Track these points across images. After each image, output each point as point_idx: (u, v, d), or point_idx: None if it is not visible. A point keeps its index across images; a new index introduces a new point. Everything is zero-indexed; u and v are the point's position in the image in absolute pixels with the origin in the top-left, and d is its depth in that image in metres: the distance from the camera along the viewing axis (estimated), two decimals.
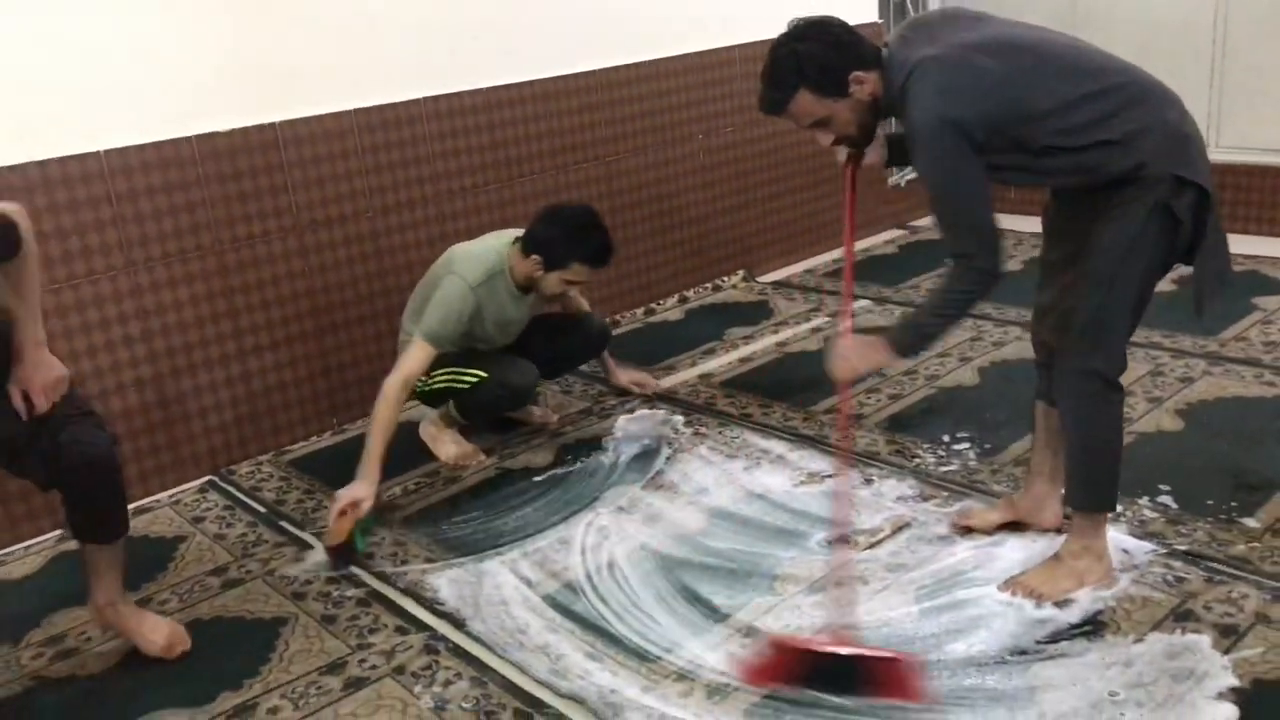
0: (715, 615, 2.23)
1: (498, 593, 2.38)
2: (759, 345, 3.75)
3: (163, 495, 3.00)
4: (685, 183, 4.21)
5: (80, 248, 2.79)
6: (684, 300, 4.28)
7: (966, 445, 2.87)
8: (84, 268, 2.80)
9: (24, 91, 2.65)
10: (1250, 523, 2.39)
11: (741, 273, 4.49)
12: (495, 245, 2.95)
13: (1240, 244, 3.80)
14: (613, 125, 3.90)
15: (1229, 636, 2.02)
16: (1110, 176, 2.01)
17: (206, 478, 3.08)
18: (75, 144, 2.74)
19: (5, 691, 2.19)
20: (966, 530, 2.43)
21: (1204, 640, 2.00)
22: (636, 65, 3.93)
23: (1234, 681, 1.88)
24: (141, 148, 2.85)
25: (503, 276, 2.91)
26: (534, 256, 2.86)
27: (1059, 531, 2.34)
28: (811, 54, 2.03)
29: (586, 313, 3.28)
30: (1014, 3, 3.68)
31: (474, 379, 2.91)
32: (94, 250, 2.81)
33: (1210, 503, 2.47)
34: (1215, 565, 2.23)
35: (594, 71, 3.81)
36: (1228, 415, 2.92)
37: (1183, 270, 2.16)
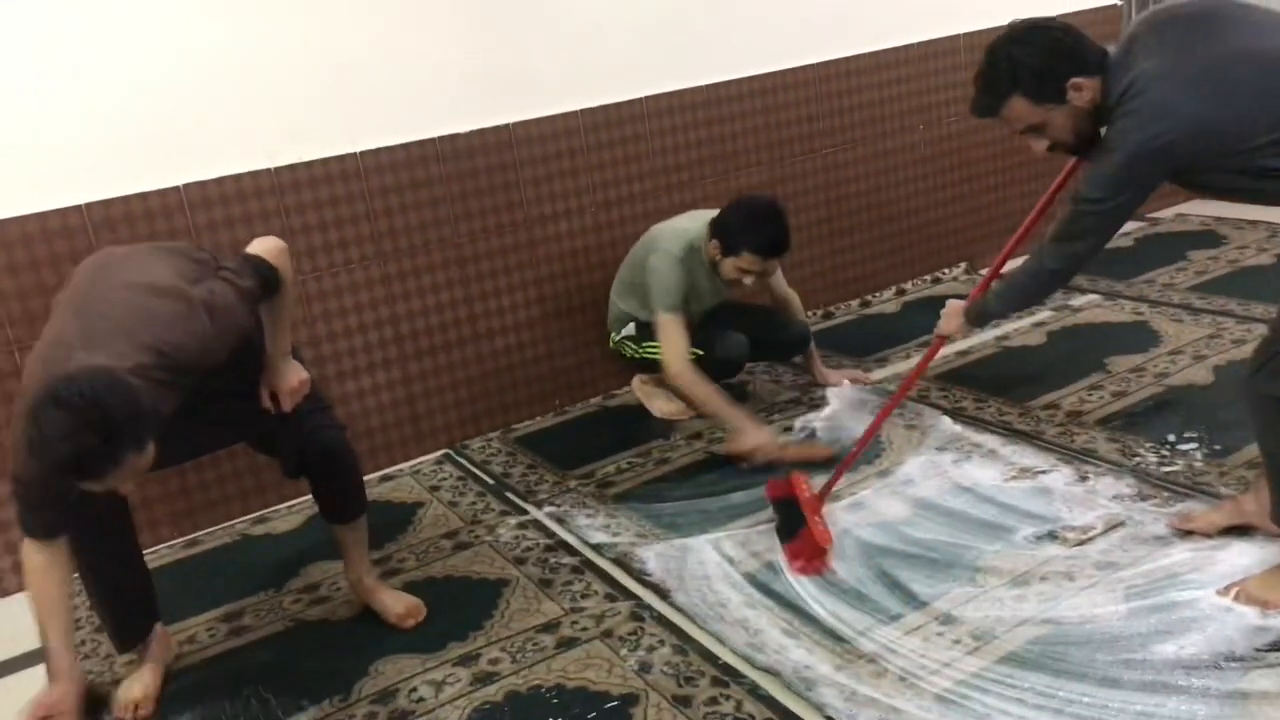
0: (913, 602, 2.25)
1: (701, 568, 2.49)
2: (979, 339, 3.69)
3: (405, 465, 3.30)
4: (905, 174, 4.17)
5: (338, 239, 3.10)
6: (901, 292, 4.25)
7: (1194, 445, 2.74)
8: (341, 257, 3.11)
9: (295, 101, 2.98)
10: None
11: (963, 265, 4.41)
12: (693, 224, 3.09)
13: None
14: (831, 118, 3.93)
15: None
16: None
17: (443, 451, 3.36)
18: (338, 146, 3.06)
19: (270, 629, 2.50)
20: (1188, 533, 2.34)
21: None
22: (855, 58, 3.93)
23: None
24: (391, 149, 3.13)
25: (699, 252, 3.04)
26: (714, 240, 2.98)
27: None
28: (1028, 59, 2.01)
29: (793, 311, 3.33)
30: None
31: (693, 355, 3.01)
32: (349, 241, 3.12)
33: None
34: None
35: (811, 65, 3.84)
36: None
37: None
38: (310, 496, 2.42)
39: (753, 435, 2.86)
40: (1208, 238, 4.42)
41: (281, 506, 3.15)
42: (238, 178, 2.95)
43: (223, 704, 2.24)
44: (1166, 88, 1.89)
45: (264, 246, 2.18)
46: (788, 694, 2.02)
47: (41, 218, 2.72)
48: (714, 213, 3.06)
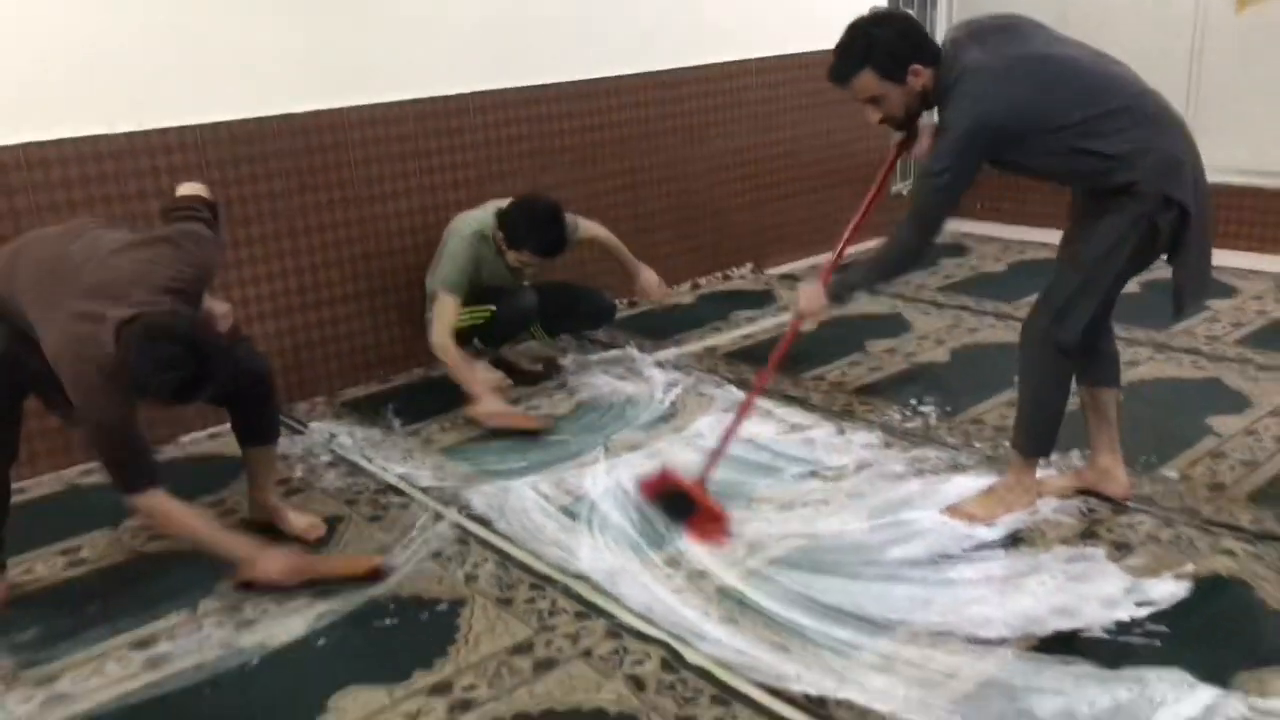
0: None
1: (520, 504, 2.82)
2: (760, 326, 4.19)
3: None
4: (702, 181, 4.66)
5: None
6: (696, 287, 4.73)
7: (930, 408, 3.30)
8: None
9: (139, 70, 3.14)
10: (1168, 472, 2.79)
11: (750, 265, 4.94)
12: (484, 213, 3.43)
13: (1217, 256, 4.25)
14: (638, 125, 4.36)
15: (1121, 550, 2.43)
16: (1110, 186, 2.35)
17: None
18: (180, 118, 3.23)
19: (109, 561, 2.66)
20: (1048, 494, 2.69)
21: (1100, 552, 2.42)
22: (664, 72, 4.38)
23: (1122, 580, 2.30)
24: (230, 123, 3.32)
25: (489, 239, 3.39)
26: (500, 232, 3.35)
27: (1125, 501, 2.63)
28: (883, 40, 2.36)
29: (601, 246, 3.70)
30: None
31: (487, 313, 3.42)
32: None
33: (1139, 457, 2.86)
34: (1124, 503, 2.64)
35: (625, 76, 4.26)
36: (1161, 391, 3.34)
37: (1155, 275, 2.54)
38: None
39: (485, 401, 3.26)
40: (955, 249, 5.13)
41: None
42: (76, 141, 3.08)
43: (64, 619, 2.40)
44: (990, 77, 2.31)
45: (193, 188, 2.50)
46: (594, 592, 2.39)
47: None
48: (504, 202, 3.42)
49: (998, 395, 3.33)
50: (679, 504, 2.67)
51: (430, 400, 3.55)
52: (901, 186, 5.53)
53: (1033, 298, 2.59)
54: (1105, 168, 2.33)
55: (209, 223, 2.43)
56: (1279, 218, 4.67)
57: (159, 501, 2.28)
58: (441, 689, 2.09)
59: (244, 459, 2.74)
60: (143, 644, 2.31)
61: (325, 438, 3.32)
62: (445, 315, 3.32)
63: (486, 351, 3.68)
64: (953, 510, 2.64)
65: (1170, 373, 3.47)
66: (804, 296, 2.70)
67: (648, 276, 3.72)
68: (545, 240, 3.31)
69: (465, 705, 2.04)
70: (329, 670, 2.17)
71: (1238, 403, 3.21)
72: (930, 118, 2.54)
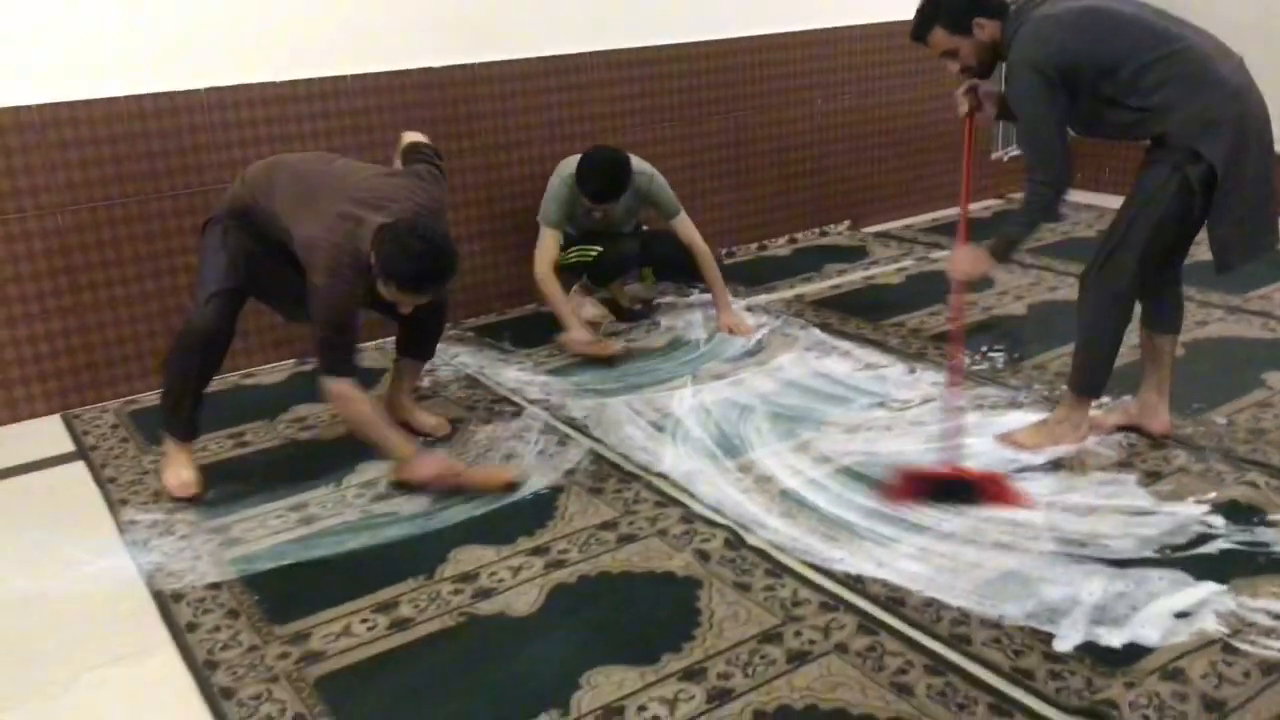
0: (772, 441, 3.00)
1: (615, 416, 3.21)
2: (849, 278, 4.48)
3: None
4: (802, 139, 4.94)
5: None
6: (793, 241, 5.03)
7: (1000, 354, 3.55)
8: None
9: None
10: (1215, 417, 3.01)
11: (847, 222, 5.21)
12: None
13: None
14: (742, 85, 4.67)
15: (1151, 478, 2.68)
16: (1145, 136, 2.59)
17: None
18: (340, 69, 3.69)
19: (267, 444, 3.15)
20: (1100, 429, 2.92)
21: (1132, 478, 2.68)
22: (767, 36, 4.68)
23: (1146, 500, 2.56)
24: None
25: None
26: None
27: (1165, 437, 2.85)
28: (948, 3, 2.68)
29: (695, 256, 3.87)
30: None
31: (594, 253, 3.82)
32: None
33: (1191, 404, 3.08)
34: (1164, 440, 2.87)
35: (730, 39, 4.57)
36: (1226, 347, 3.52)
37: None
38: (290, 361, 3.06)
39: (573, 330, 3.61)
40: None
41: (266, 366, 3.77)
42: (249, 86, 3.56)
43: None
44: (1047, 24, 2.56)
45: (416, 136, 3.01)
46: (673, 487, 2.76)
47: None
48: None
49: (1064, 346, 3.52)
50: (953, 489, 2.64)
51: (540, 330, 3.95)
52: (1002, 153, 5.72)
53: None
54: (1135, 119, 2.56)
55: (437, 164, 2.90)
56: None
57: (348, 389, 2.65)
58: (540, 551, 2.50)
59: (395, 366, 3.17)
60: (297, 508, 2.78)
61: (450, 356, 3.75)
62: (544, 248, 3.71)
63: (594, 288, 4.07)
64: (1005, 437, 2.92)
65: (1238, 332, 3.64)
66: (964, 260, 2.85)
67: (732, 316, 3.88)
68: (593, 187, 3.60)
69: (559, 564, 2.44)
70: (449, 534, 2.60)
71: None
72: (994, 85, 2.82)
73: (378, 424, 2.73)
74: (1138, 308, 2.81)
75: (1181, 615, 2.14)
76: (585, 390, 3.43)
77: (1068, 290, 4.15)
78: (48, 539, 2.68)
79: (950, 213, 5.43)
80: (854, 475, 2.78)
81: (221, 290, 2.77)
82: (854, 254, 4.83)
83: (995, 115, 2.90)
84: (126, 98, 3.39)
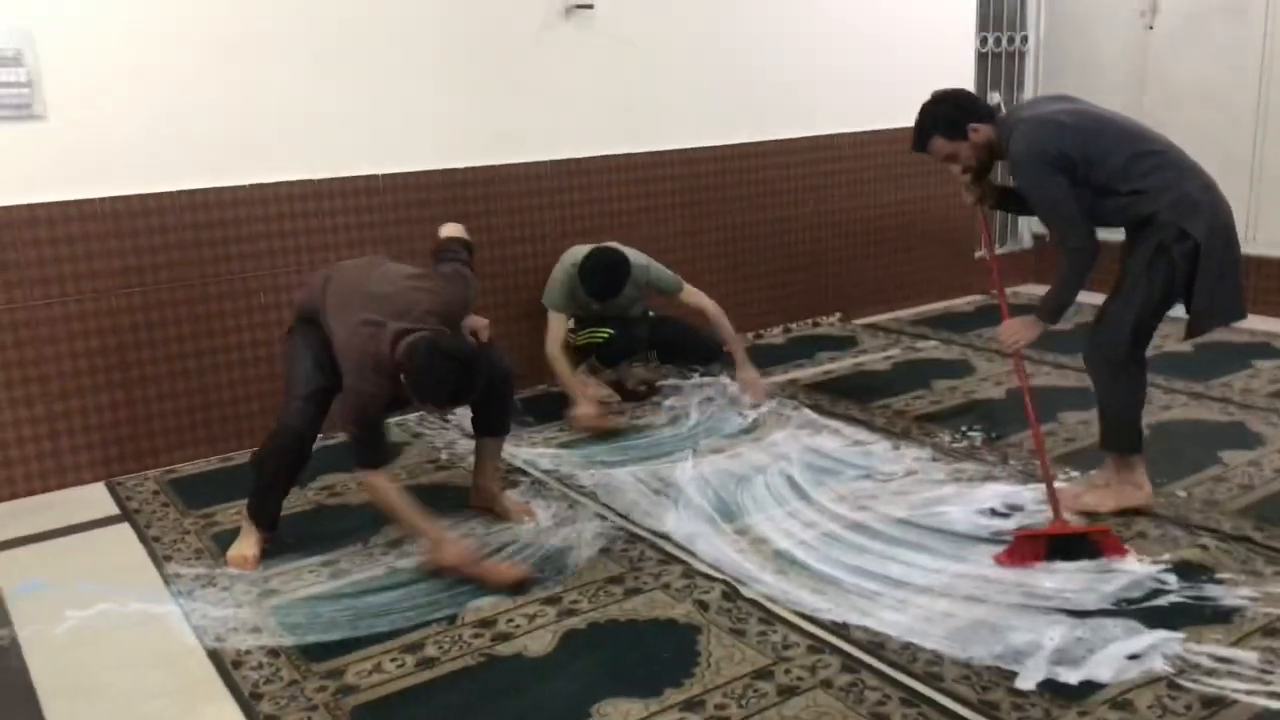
0: (765, 509, 3.25)
1: (620, 484, 3.47)
2: (840, 364, 4.78)
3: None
4: (796, 238, 5.30)
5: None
6: (788, 330, 5.35)
7: (978, 433, 3.83)
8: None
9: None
10: (1175, 490, 3.26)
11: (838, 314, 5.53)
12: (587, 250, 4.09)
13: (1268, 324, 4.87)
14: (739, 187, 5.04)
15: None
16: (1138, 217, 2.91)
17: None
18: (370, 169, 4.05)
19: (304, 516, 3.40)
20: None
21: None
22: (762, 143, 5.07)
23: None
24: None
25: None
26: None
27: (1149, 507, 3.09)
28: (943, 111, 3.04)
29: (709, 320, 4.27)
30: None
31: (605, 335, 4.13)
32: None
33: (1156, 479, 3.31)
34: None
35: (727, 145, 4.96)
36: (1186, 429, 3.79)
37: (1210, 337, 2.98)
38: None
39: (581, 405, 3.90)
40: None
41: None
42: (290, 184, 3.91)
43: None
44: (1038, 122, 2.92)
45: (453, 228, 3.34)
46: (674, 547, 3.02)
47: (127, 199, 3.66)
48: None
49: (1041, 426, 3.84)
50: (1069, 546, 2.82)
51: (552, 407, 4.23)
52: (984, 252, 6.06)
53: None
54: (1129, 202, 2.89)
55: (466, 262, 3.20)
56: None
57: (377, 480, 2.88)
58: (553, 601, 2.74)
59: (476, 448, 3.34)
60: (328, 563, 3.02)
61: (468, 429, 4.03)
62: (552, 331, 4.06)
63: (601, 368, 4.36)
64: (1073, 500, 3.10)
65: (1199, 415, 3.92)
66: (1014, 329, 3.07)
67: (750, 373, 4.22)
68: (596, 287, 3.96)
69: (570, 613, 2.68)
70: (469, 588, 2.84)
71: (1252, 442, 3.64)
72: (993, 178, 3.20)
73: (405, 510, 2.89)
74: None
75: (1133, 657, 2.37)
76: (594, 462, 3.69)
77: (1044, 378, 4.45)
78: (98, 590, 2.92)
79: (934, 307, 5.77)
80: (838, 539, 3.03)
81: (308, 392, 3.03)
82: (844, 343, 5.14)
83: (993, 205, 3.24)
84: (177, 192, 3.73)
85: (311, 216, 3.97)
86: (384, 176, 4.11)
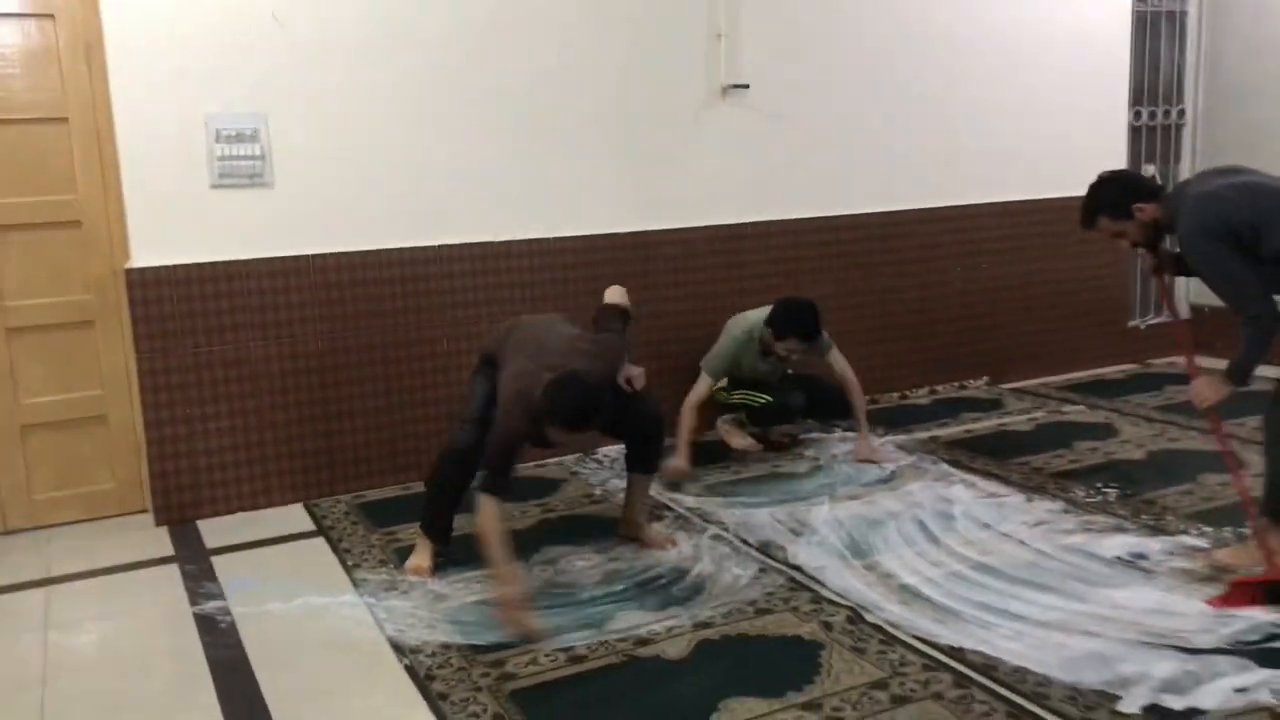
0: (901, 550, 3.45)
1: (759, 522, 3.73)
2: (982, 424, 4.91)
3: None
4: (944, 304, 5.48)
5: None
6: (933, 392, 5.50)
7: (1114, 490, 3.91)
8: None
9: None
10: None
11: (985, 378, 5.65)
12: (757, 317, 4.38)
13: None
14: (886, 253, 5.28)
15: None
16: None
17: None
18: (540, 232, 4.51)
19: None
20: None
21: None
22: (908, 211, 5.31)
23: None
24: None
25: (755, 339, 4.35)
26: (770, 329, 4.28)
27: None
28: (1106, 194, 3.21)
29: (848, 387, 4.44)
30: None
31: (763, 400, 4.35)
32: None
33: None
34: None
35: (878, 213, 5.22)
36: None
37: None
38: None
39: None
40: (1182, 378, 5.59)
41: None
42: (469, 245, 4.40)
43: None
44: (1203, 197, 3.05)
45: (616, 294, 3.68)
46: (805, 577, 3.25)
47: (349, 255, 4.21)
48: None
49: (1177, 485, 3.91)
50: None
51: (700, 455, 4.54)
52: (1139, 322, 6.09)
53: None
54: None
55: (621, 332, 3.55)
56: None
57: (492, 507, 3.12)
58: (701, 626, 3.00)
59: (628, 483, 3.69)
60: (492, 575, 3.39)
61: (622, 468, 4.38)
62: (698, 390, 4.32)
63: (749, 425, 4.62)
64: (1223, 562, 3.20)
65: None
66: (1204, 388, 3.15)
67: (869, 445, 4.43)
68: (805, 327, 4.23)
69: (705, 625, 2.95)
70: (616, 601, 3.15)
71: None
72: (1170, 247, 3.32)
73: (494, 538, 3.07)
74: None
75: (1240, 690, 2.47)
76: (735, 503, 3.97)
77: (1188, 441, 4.47)
78: (298, 586, 3.37)
79: (1084, 374, 5.82)
80: (964, 577, 3.20)
81: (478, 417, 3.43)
82: (989, 405, 5.27)
83: (1174, 272, 3.35)
84: (376, 250, 4.26)
85: (490, 274, 4.44)
86: (553, 240, 4.55)
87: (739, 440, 4.63)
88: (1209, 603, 2.94)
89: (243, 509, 4.17)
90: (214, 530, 3.97)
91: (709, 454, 4.49)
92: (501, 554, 3.09)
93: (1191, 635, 2.76)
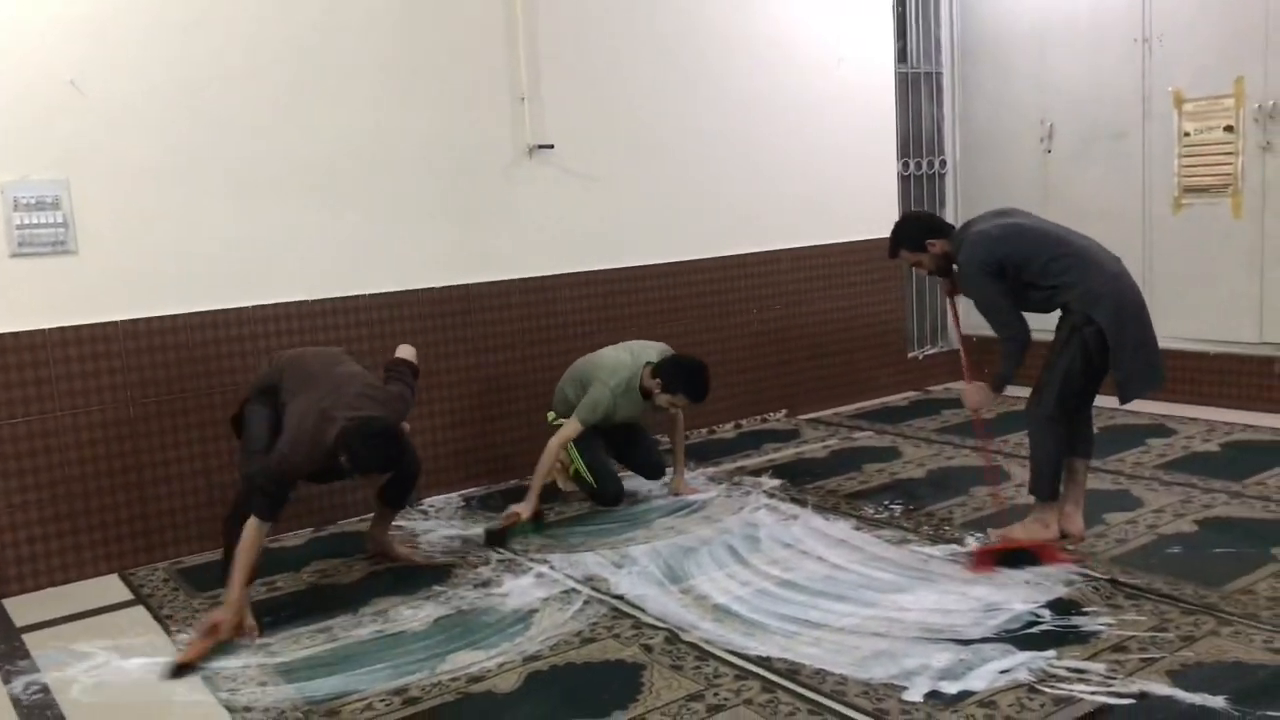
0: (708, 570, 3.73)
1: (581, 559, 3.93)
2: (783, 454, 5.29)
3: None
4: (742, 344, 5.87)
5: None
6: (738, 426, 5.87)
7: (899, 506, 4.33)
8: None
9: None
10: (1066, 545, 3.76)
11: (784, 411, 6.07)
12: (633, 362, 4.51)
13: (1164, 408, 5.46)
14: (690, 299, 5.64)
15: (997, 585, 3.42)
16: (1057, 306, 3.61)
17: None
18: (349, 290, 4.61)
19: (300, 594, 3.83)
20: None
21: (988, 588, 3.41)
22: (709, 259, 5.69)
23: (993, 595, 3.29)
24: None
25: (634, 388, 4.48)
26: (658, 379, 4.43)
27: (1080, 539, 3.74)
28: (906, 230, 3.85)
29: (676, 431, 4.75)
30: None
31: (591, 484, 4.53)
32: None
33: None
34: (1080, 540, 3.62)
35: (674, 263, 5.57)
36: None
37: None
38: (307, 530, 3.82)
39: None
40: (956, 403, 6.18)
41: (289, 533, 4.48)
42: (313, 302, 4.46)
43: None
44: (981, 235, 3.65)
45: (407, 351, 3.98)
46: (627, 605, 3.47)
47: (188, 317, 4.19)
48: (648, 352, 4.54)
49: (953, 499, 4.36)
50: (1016, 558, 3.56)
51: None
52: (917, 353, 6.67)
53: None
54: (1047, 295, 3.62)
55: (410, 384, 3.85)
56: (1216, 376, 5.66)
57: (253, 529, 3.33)
58: (530, 659, 3.16)
59: (377, 510, 4.04)
60: (322, 630, 3.45)
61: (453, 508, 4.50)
62: (568, 433, 4.38)
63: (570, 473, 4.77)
64: (1003, 535, 3.73)
65: (1091, 486, 4.44)
66: (973, 395, 3.82)
67: (684, 482, 4.73)
68: (698, 389, 4.40)
69: (536, 657, 3.13)
70: (443, 648, 3.28)
71: (1133, 504, 4.16)
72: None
73: (246, 565, 3.36)
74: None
75: (1004, 672, 2.84)
76: (562, 543, 4.16)
77: (962, 459, 4.98)
78: (120, 657, 3.33)
79: (872, 402, 6.34)
80: (769, 593, 3.50)
81: (265, 449, 3.56)
82: (788, 435, 5.67)
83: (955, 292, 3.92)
84: (181, 314, 4.25)
85: (307, 333, 4.50)
86: (369, 296, 4.66)
87: (566, 483, 4.78)
88: (966, 567, 3.58)
89: (53, 583, 4.06)
90: (23, 607, 3.86)
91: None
92: (240, 579, 3.37)
93: (965, 629, 3.13)
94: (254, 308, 4.41)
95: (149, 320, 4.19)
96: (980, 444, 3.94)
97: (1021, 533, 3.73)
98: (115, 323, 4.13)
